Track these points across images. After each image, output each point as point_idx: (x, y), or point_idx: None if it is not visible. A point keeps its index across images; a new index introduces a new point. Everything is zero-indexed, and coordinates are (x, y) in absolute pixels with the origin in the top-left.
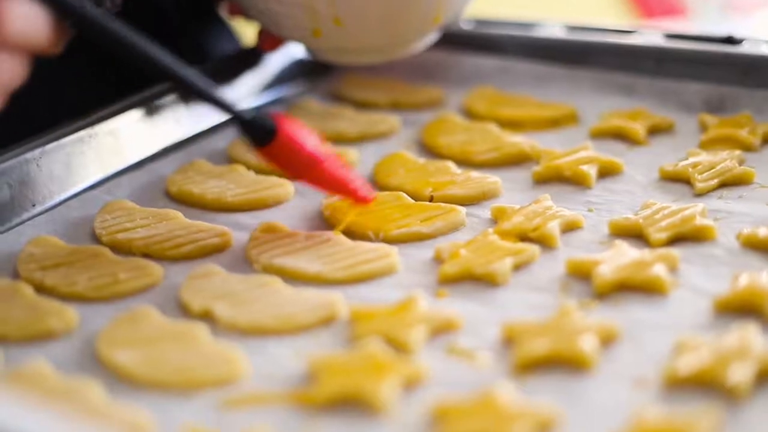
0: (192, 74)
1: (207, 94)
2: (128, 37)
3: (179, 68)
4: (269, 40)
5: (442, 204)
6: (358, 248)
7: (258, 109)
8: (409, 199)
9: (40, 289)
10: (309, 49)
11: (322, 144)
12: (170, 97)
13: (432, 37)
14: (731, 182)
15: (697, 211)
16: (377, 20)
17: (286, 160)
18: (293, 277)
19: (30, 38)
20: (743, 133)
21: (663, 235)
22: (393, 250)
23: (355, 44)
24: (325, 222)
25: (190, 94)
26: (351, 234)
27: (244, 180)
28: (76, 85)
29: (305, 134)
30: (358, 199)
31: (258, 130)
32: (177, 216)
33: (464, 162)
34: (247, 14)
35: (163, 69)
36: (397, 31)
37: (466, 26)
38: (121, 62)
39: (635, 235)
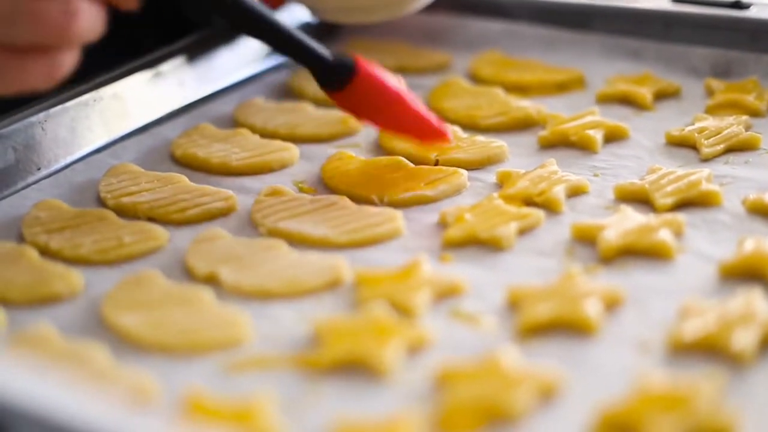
0: (268, 14)
1: (284, 33)
2: None
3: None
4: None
5: (444, 167)
6: (363, 212)
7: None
8: (410, 163)
9: (45, 252)
10: (310, 8)
11: (400, 82)
12: (176, 61)
13: None
14: (737, 147)
15: (703, 177)
16: None
17: (367, 100)
18: (298, 241)
19: None
20: (750, 99)
21: (669, 200)
22: (398, 213)
23: (354, 2)
24: (325, 185)
25: (258, 35)
26: (355, 198)
27: (249, 144)
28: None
29: (384, 74)
30: (438, 136)
31: (340, 72)
32: (182, 180)
33: (470, 126)
34: None
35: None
36: None
37: None
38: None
39: (641, 200)
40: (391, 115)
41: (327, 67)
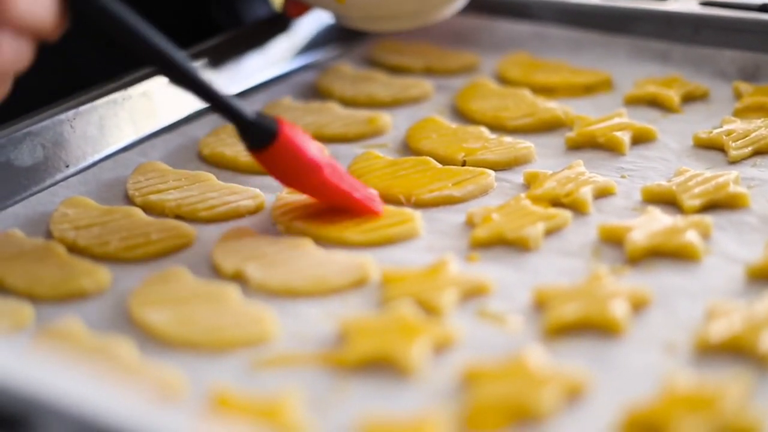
0: (194, 69)
1: (207, 90)
2: (130, 24)
3: (184, 63)
4: (296, 6)
5: (471, 168)
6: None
7: (258, 111)
8: (437, 163)
9: (73, 249)
10: (336, 16)
11: (323, 152)
12: (204, 61)
13: (462, 2)
14: (765, 150)
15: (730, 179)
16: None
17: (285, 165)
18: (314, 239)
19: (36, 20)
20: None
21: (696, 202)
22: (415, 214)
23: (380, 11)
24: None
25: (190, 88)
26: (382, 198)
27: None
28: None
29: (307, 140)
30: (364, 211)
31: (259, 132)
32: (209, 178)
33: (497, 127)
34: None
35: (166, 62)
36: None
37: None
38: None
39: (668, 201)
40: (309, 184)
41: (248, 126)
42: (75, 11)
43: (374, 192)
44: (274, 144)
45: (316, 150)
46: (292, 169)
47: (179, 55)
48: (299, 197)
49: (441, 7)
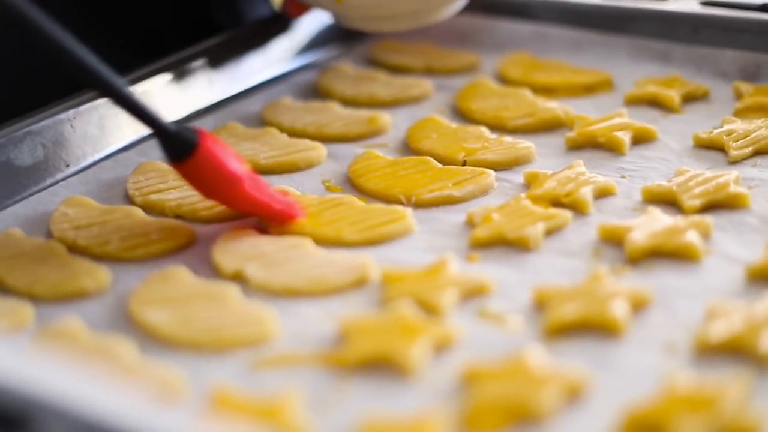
0: (114, 78)
1: (128, 100)
2: (48, 32)
3: (101, 69)
4: (295, 6)
5: (471, 168)
6: (372, 210)
7: (179, 122)
8: (437, 163)
9: (73, 248)
10: (335, 16)
11: (243, 165)
12: (204, 60)
13: (461, 2)
14: (766, 150)
15: (731, 179)
16: None
17: (205, 177)
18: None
19: None
20: None
21: (696, 202)
22: (407, 211)
23: (379, 11)
24: (352, 184)
25: (110, 97)
26: (382, 198)
27: (276, 142)
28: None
29: (227, 153)
30: (283, 220)
31: (179, 144)
32: None
33: (497, 127)
34: None
35: (83, 70)
36: None
37: None
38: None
39: (668, 201)
40: (230, 196)
41: (168, 137)
42: None
43: (293, 200)
44: (194, 156)
45: (236, 162)
46: (212, 180)
47: (91, 58)
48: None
49: (440, 7)
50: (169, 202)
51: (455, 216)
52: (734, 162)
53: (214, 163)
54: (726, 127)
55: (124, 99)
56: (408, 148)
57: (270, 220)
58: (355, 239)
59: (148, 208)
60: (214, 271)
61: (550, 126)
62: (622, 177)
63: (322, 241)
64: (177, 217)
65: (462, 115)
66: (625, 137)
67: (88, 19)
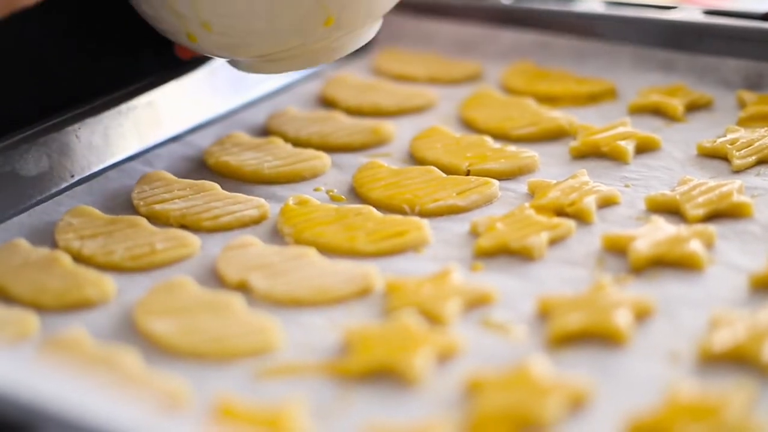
0: None
1: None
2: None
3: None
4: (183, 49)
5: (475, 177)
6: (389, 221)
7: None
8: (441, 173)
9: (78, 258)
10: (231, 61)
11: None
12: (209, 70)
13: (366, 37)
14: None
15: (734, 188)
16: (246, 24)
17: None
18: (324, 249)
19: None
20: None
21: (700, 211)
22: (424, 222)
23: (244, 52)
24: (356, 194)
25: None
26: (386, 207)
27: (281, 152)
28: (113, 55)
29: None
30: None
31: None
32: (214, 187)
33: (501, 137)
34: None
35: None
36: (280, 37)
37: (505, 1)
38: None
39: (672, 211)
40: None
41: None
42: None
43: None
44: None
45: None
46: None
47: None
48: (306, 208)
49: (312, 45)
50: (174, 212)
51: (459, 225)
52: (738, 171)
53: None
54: (729, 136)
55: None
56: (412, 157)
57: None
58: (369, 250)
59: (152, 218)
60: (219, 281)
61: (553, 135)
62: (626, 186)
63: (336, 252)
64: (181, 226)
65: (466, 124)
66: (629, 146)
67: (109, 25)
